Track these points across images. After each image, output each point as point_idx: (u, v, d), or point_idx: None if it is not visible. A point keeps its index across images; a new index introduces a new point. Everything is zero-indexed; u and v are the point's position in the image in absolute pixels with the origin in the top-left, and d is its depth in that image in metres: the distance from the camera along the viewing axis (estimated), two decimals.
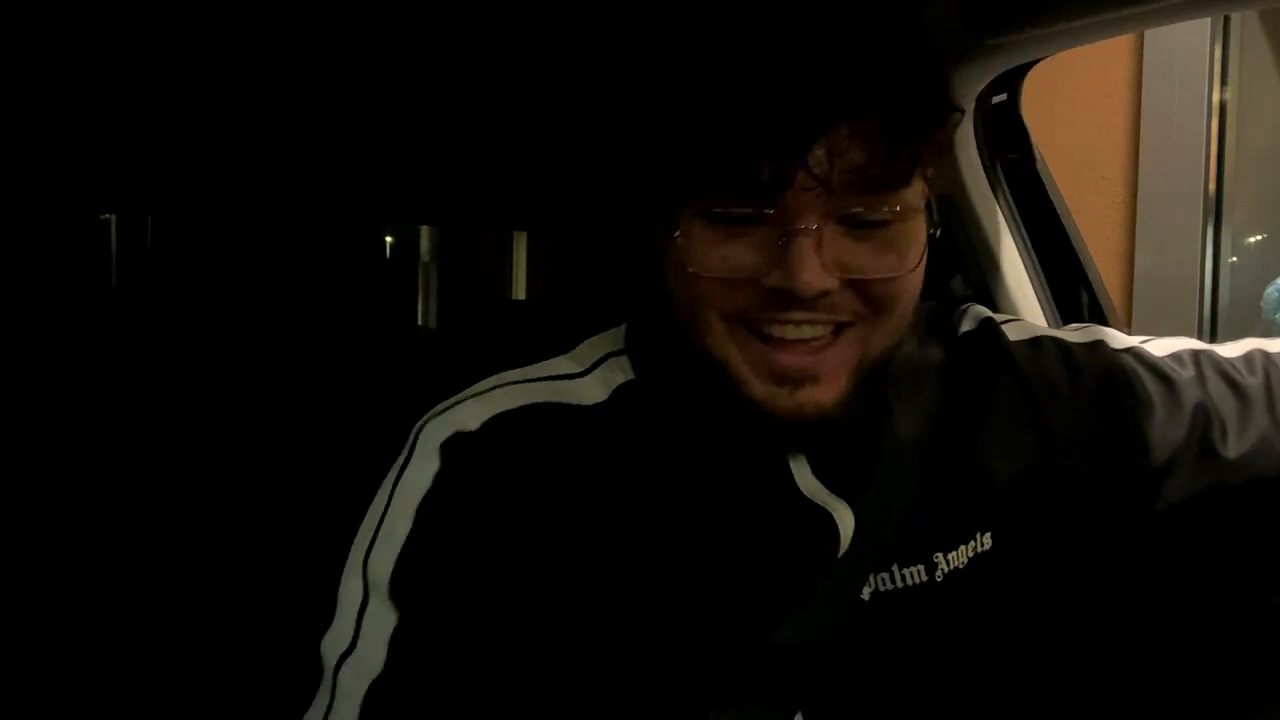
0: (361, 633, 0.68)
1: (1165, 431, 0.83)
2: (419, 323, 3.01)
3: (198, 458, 1.47)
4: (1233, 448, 0.83)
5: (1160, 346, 0.89)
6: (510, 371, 0.75)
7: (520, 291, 2.82)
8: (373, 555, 0.69)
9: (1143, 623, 0.98)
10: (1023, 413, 0.82)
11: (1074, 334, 0.90)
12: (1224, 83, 1.96)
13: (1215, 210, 1.97)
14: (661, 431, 0.73)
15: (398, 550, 0.68)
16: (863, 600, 0.73)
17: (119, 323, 1.71)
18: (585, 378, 0.74)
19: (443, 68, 1.17)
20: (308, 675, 0.68)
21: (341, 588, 0.70)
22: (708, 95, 0.65)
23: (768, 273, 0.65)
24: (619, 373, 0.75)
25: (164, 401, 1.51)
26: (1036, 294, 1.22)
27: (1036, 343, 0.86)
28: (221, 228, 1.92)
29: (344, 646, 0.68)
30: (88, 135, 1.34)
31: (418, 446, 0.71)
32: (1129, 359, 0.86)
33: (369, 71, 1.19)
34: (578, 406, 0.72)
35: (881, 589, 0.74)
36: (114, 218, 2.01)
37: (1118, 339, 0.89)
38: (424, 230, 3.04)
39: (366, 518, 0.71)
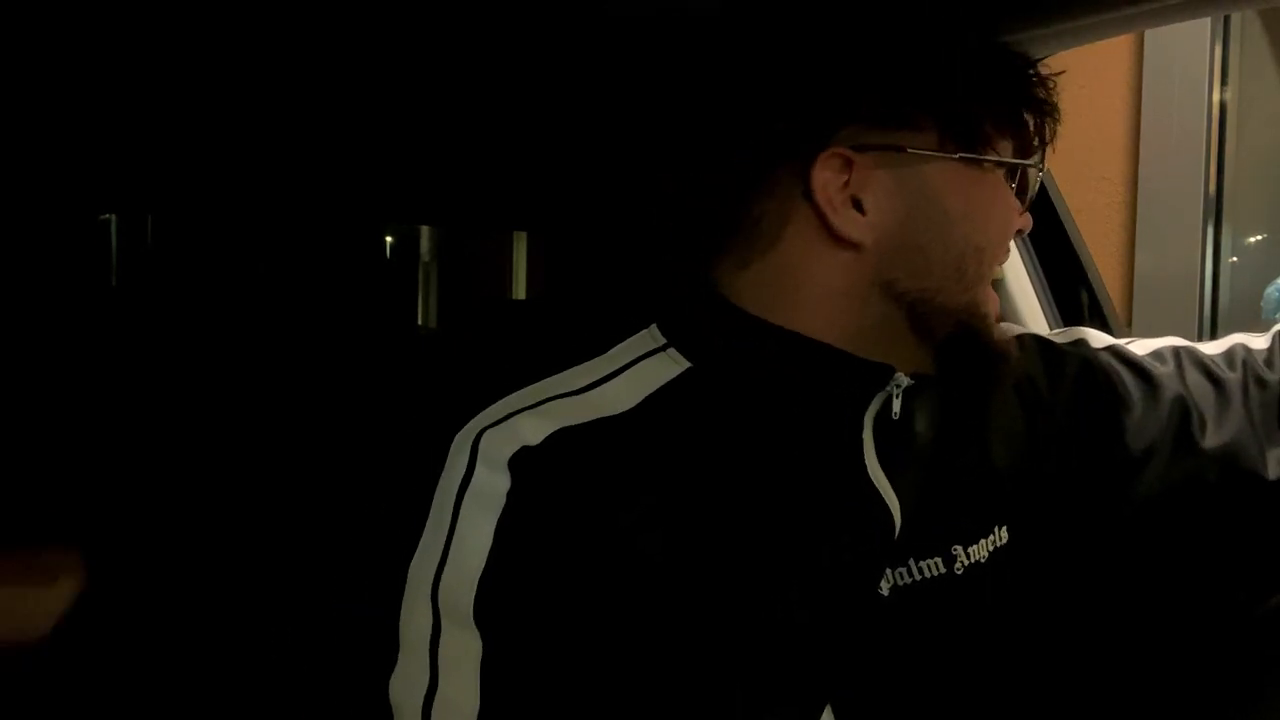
0: (441, 668, 0.64)
1: (1143, 424, 0.85)
2: (419, 323, 3.01)
3: (198, 457, 1.47)
4: (1210, 440, 0.85)
5: (1142, 346, 0.91)
6: (546, 382, 0.71)
7: (520, 291, 2.82)
8: (444, 580, 0.64)
9: (1141, 616, 0.99)
10: (1014, 410, 0.84)
11: (1056, 335, 0.92)
12: (1224, 83, 1.96)
13: (1215, 210, 1.97)
14: (732, 416, 0.71)
15: (478, 573, 0.63)
16: (882, 595, 0.73)
17: (119, 323, 1.71)
18: (622, 379, 0.72)
19: (442, 67, 1.17)
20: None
21: (403, 620, 0.66)
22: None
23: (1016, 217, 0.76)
24: (665, 367, 0.72)
25: (164, 401, 1.51)
26: (1036, 294, 1.22)
27: (1019, 341, 0.87)
28: (221, 228, 1.92)
29: (424, 686, 0.64)
30: (88, 135, 1.34)
31: (481, 458, 0.66)
32: (1108, 356, 0.88)
33: (369, 71, 1.19)
34: (623, 414, 0.70)
35: (900, 583, 0.74)
36: (114, 218, 2.01)
37: (1098, 338, 0.91)
38: (424, 230, 3.04)
39: (424, 538, 0.66)
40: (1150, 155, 1.96)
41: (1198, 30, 1.90)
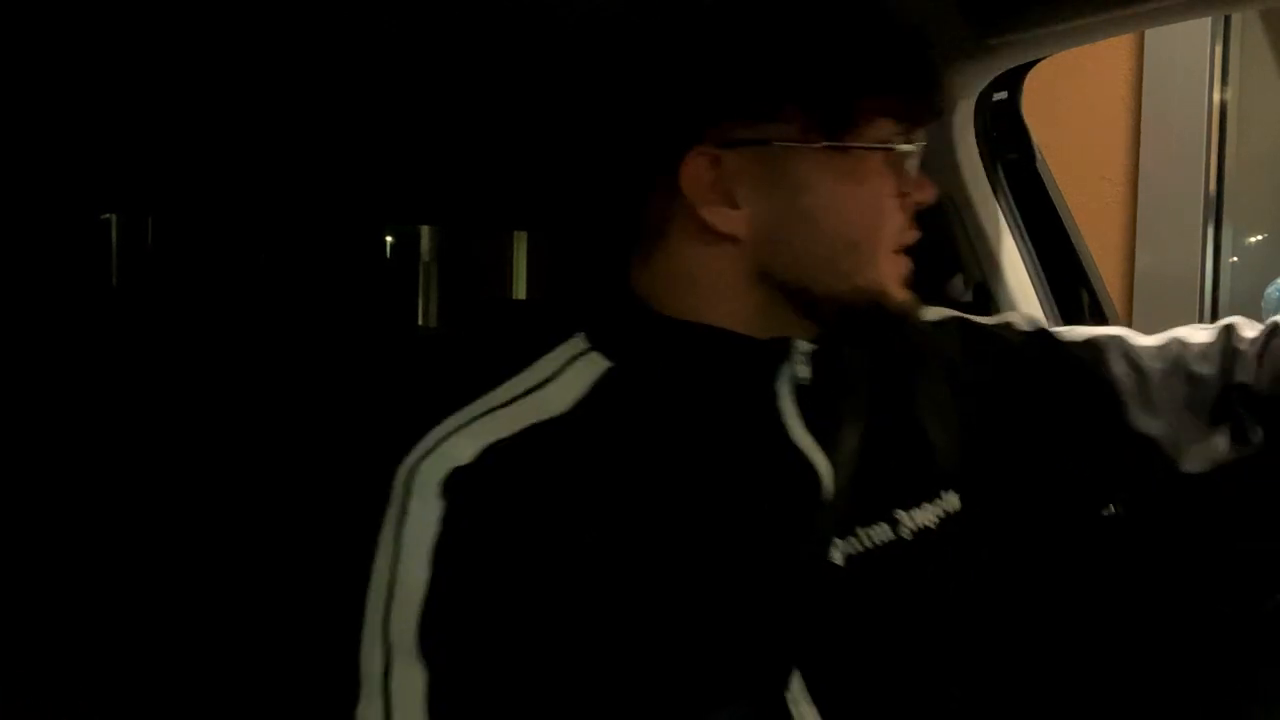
0: (393, 702, 0.66)
1: (1062, 407, 0.88)
2: (419, 323, 3.00)
3: (198, 457, 1.47)
4: (1131, 427, 0.88)
5: (1078, 333, 0.94)
6: (481, 400, 0.73)
7: (520, 291, 2.83)
8: (393, 615, 0.67)
9: (1097, 592, 1.01)
10: (942, 386, 0.87)
11: (986, 319, 0.95)
12: (1224, 83, 1.96)
13: (1215, 210, 1.97)
14: (656, 407, 0.73)
15: (419, 605, 0.66)
16: (838, 565, 0.75)
17: (119, 322, 1.71)
18: (555, 384, 0.74)
19: (442, 67, 1.17)
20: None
21: (363, 656, 0.68)
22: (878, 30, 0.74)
23: (911, 192, 0.75)
24: (591, 368, 0.75)
25: (164, 401, 1.51)
26: (1037, 294, 1.22)
27: (942, 324, 0.91)
28: (221, 228, 1.92)
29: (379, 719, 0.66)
30: (88, 135, 1.34)
31: (415, 491, 0.68)
32: (1033, 340, 0.92)
33: (369, 71, 1.19)
34: (559, 416, 0.72)
35: (853, 551, 0.76)
36: (114, 218, 2.01)
37: (1027, 321, 0.94)
38: (424, 230, 3.05)
39: (374, 577, 0.68)
40: (1150, 155, 1.96)
41: (1198, 30, 1.90)
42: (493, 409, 0.72)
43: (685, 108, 0.72)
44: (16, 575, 1.37)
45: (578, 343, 0.77)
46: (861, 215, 0.73)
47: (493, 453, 0.69)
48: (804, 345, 0.74)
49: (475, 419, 0.71)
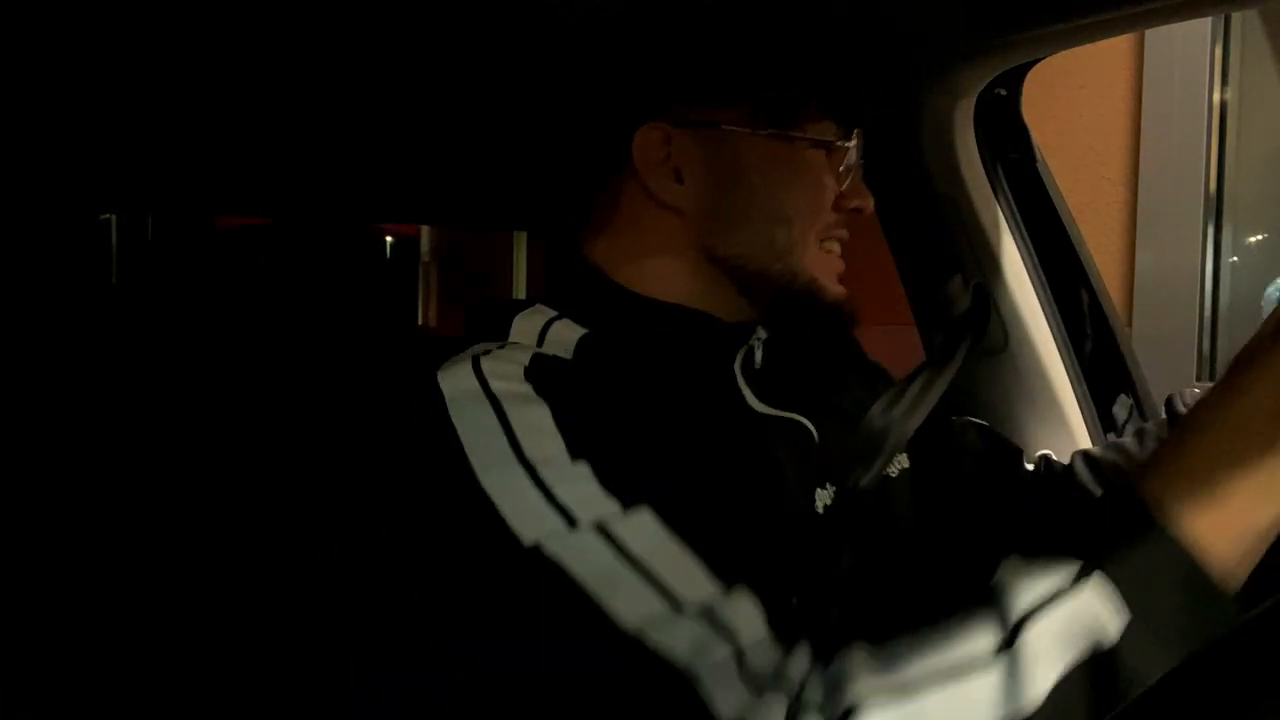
0: (563, 505, 0.62)
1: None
2: (419, 323, 3.01)
3: (198, 456, 1.47)
4: None
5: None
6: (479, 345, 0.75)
7: (520, 291, 2.83)
8: (525, 446, 0.64)
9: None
10: (868, 388, 0.94)
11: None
12: (1224, 83, 1.96)
13: (1215, 210, 1.97)
14: (636, 370, 0.76)
15: (557, 419, 0.65)
16: (819, 511, 0.80)
17: (119, 321, 1.71)
18: (547, 344, 0.77)
19: (443, 67, 1.17)
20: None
21: (503, 502, 0.63)
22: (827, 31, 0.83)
23: (846, 196, 0.81)
24: (569, 332, 0.77)
25: (164, 400, 1.51)
26: (1036, 294, 1.22)
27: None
28: (221, 227, 1.92)
29: (561, 530, 0.62)
30: (88, 135, 1.34)
31: (490, 377, 0.68)
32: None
33: (369, 71, 1.19)
34: (567, 361, 0.76)
35: (828, 502, 0.81)
36: (114, 218, 2.01)
37: None
38: (424, 230, 3.04)
39: (473, 446, 0.65)
40: (1150, 155, 1.96)
41: (1198, 30, 1.90)
42: (498, 349, 0.73)
43: (642, 85, 0.79)
44: (16, 575, 1.37)
45: (544, 310, 0.80)
46: (795, 197, 0.79)
47: (540, 360, 0.70)
48: (761, 333, 0.81)
49: (488, 352, 0.72)
